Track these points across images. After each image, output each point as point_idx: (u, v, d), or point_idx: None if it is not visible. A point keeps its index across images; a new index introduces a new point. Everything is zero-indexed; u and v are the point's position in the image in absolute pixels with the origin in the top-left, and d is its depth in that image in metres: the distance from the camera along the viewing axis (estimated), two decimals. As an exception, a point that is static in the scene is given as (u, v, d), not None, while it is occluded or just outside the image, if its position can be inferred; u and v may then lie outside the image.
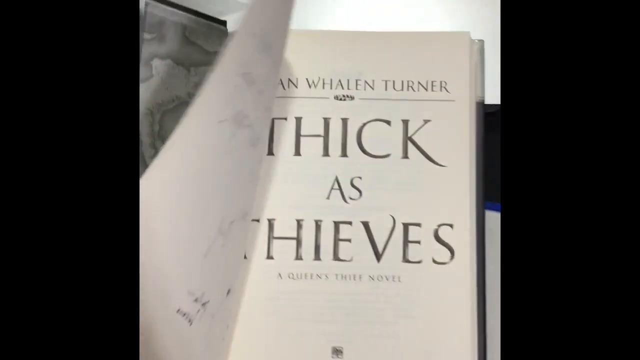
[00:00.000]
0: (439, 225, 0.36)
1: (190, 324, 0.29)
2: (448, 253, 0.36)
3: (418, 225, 0.36)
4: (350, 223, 0.36)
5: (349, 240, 0.36)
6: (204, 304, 0.30)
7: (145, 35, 0.33)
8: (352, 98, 0.38)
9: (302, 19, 0.41)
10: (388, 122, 0.37)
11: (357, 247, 0.36)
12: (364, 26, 0.40)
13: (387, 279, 0.36)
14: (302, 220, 0.36)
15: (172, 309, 0.28)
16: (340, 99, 0.38)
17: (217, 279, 0.31)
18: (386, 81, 0.38)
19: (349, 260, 0.36)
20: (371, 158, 0.37)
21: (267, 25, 0.33)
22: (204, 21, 0.38)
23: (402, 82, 0.38)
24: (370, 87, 0.38)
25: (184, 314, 0.29)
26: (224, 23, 0.40)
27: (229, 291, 0.32)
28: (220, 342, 0.33)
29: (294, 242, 0.36)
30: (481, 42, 0.38)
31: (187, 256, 0.29)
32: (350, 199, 0.37)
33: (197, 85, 0.34)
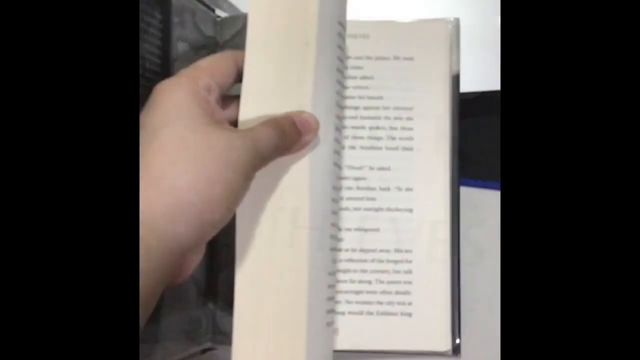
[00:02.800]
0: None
1: None
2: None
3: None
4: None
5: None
6: None
7: (174, 19, 0.36)
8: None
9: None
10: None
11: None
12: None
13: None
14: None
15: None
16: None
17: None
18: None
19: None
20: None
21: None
22: (204, 8, 0.40)
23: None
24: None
25: None
26: (213, 10, 0.43)
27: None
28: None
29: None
30: (457, 19, 0.42)
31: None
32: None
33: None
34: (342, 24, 0.37)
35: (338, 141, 0.37)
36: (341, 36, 0.37)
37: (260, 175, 0.31)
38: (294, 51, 0.34)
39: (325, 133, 0.34)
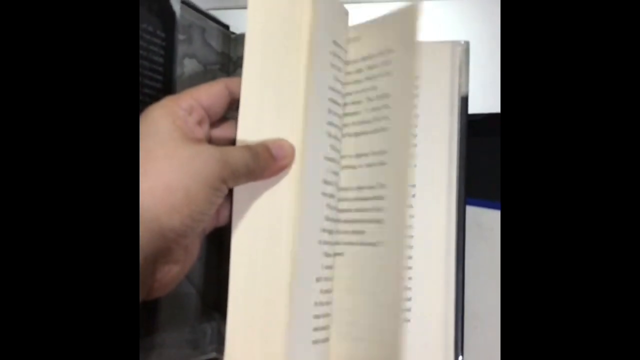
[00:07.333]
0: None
1: None
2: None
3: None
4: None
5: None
6: None
7: (179, 36, 0.37)
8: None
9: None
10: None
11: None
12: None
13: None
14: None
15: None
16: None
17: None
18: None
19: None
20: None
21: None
22: (215, 25, 0.41)
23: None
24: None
25: None
26: (227, 27, 0.44)
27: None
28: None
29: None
30: (467, 42, 0.42)
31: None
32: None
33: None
34: (338, 43, 0.37)
35: (335, 161, 0.37)
36: (337, 56, 0.37)
37: (251, 197, 0.33)
38: (287, 73, 0.34)
39: (316, 155, 0.35)
